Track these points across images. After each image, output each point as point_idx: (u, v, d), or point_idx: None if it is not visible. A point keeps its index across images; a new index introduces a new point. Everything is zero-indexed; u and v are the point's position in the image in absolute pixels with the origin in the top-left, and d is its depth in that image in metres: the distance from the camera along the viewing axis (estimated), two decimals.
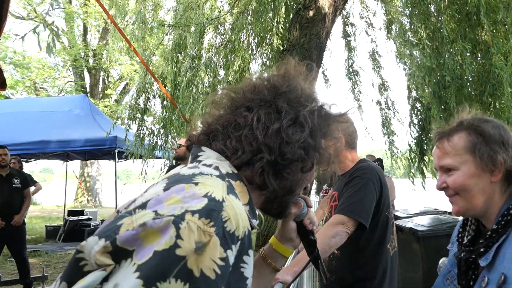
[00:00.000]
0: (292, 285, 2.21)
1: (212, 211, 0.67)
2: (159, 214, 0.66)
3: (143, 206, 0.69)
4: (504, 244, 1.16)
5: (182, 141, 4.97)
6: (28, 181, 6.02)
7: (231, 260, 0.67)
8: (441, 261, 1.52)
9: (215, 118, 0.91)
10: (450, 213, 5.04)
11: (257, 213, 0.89)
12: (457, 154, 1.24)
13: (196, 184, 0.72)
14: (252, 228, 0.82)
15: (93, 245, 0.66)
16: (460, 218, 1.41)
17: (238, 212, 0.71)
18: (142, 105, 8.14)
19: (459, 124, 1.28)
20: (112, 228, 0.67)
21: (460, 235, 1.37)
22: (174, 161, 5.52)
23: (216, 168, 0.82)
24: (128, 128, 7.97)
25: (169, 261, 0.61)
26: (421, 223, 4.32)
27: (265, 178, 0.84)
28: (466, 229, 1.36)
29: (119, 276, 0.62)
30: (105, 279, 0.63)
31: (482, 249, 1.20)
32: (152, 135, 8.24)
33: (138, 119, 8.09)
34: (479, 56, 6.40)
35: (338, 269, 2.22)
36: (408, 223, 4.34)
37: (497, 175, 1.21)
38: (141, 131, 8.11)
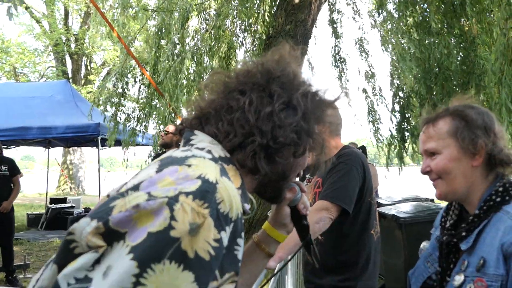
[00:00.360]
0: (275, 270, 2.22)
1: (206, 192, 0.67)
2: (153, 196, 0.65)
3: (136, 188, 0.69)
4: (485, 229, 1.19)
5: (169, 128, 4.91)
6: (16, 168, 5.91)
7: (225, 241, 0.68)
8: (422, 244, 1.55)
9: (208, 102, 0.90)
10: (432, 200, 5.12)
11: (250, 198, 0.89)
12: (440, 138, 1.27)
13: (189, 166, 0.72)
14: (244, 212, 0.82)
15: (85, 226, 0.65)
16: (443, 204, 1.44)
17: (231, 194, 0.70)
18: (120, 90, 7.99)
19: (445, 110, 1.32)
20: (104, 210, 0.67)
21: (443, 219, 1.40)
22: (160, 149, 5.44)
23: (209, 151, 0.81)
24: (103, 113, 7.77)
25: (163, 243, 0.61)
26: (403, 210, 4.37)
27: (257, 162, 0.83)
28: (449, 213, 1.39)
29: (111, 258, 0.61)
30: (97, 261, 0.62)
31: (463, 233, 1.23)
32: (130, 120, 8.08)
33: (115, 104, 7.94)
34: (464, 47, 6.47)
35: (322, 254, 2.23)
36: (391, 210, 4.39)
37: (478, 159, 1.23)
38: (118, 116, 7.96)
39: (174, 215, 0.63)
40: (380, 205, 4.79)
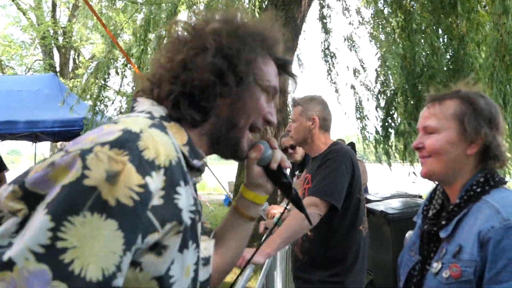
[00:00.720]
0: (264, 266, 2.22)
1: (125, 141, 0.64)
2: (68, 152, 0.63)
3: (60, 150, 0.67)
4: (464, 218, 1.20)
5: None
6: (2, 164, 5.77)
7: (152, 187, 0.64)
8: (407, 234, 1.57)
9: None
10: (420, 197, 5.16)
11: (201, 154, 0.86)
12: (443, 118, 1.27)
13: (116, 123, 0.70)
14: (196, 168, 0.81)
15: (3, 192, 0.64)
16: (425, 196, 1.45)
17: (159, 141, 0.68)
18: (103, 81, 7.86)
19: (455, 92, 1.31)
20: (22, 174, 0.65)
21: (425, 208, 1.42)
22: None
23: (148, 112, 0.81)
24: (78, 102, 7.59)
25: (77, 193, 0.59)
26: (392, 206, 4.40)
27: (182, 111, 0.82)
28: (432, 202, 1.41)
29: (32, 220, 0.60)
30: (21, 227, 0.60)
31: (443, 222, 1.25)
32: (108, 111, 7.95)
33: (94, 95, 7.81)
34: (451, 44, 6.50)
35: (311, 250, 2.24)
36: (379, 206, 4.41)
37: (474, 147, 1.24)
38: (97, 108, 7.83)
39: (86, 164, 0.60)
40: (368, 201, 4.82)
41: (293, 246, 2.42)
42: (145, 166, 0.64)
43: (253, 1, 6.70)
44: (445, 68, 6.24)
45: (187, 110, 0.82)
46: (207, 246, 0.95)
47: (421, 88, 5.98)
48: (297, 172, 4.49)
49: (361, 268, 2.24)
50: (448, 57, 6.45)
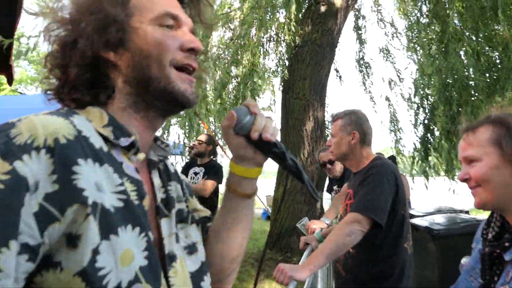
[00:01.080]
0: (306, 283, 2.18)
1: None
2: None
3: None
4: None
5: (202, 137, 4.95)
6: None
7: (25, 171, 0.59)
8: (463, 260, 1.51)
9: None
10: (466, 212, 4.95)
11: (129, 131, 0.77)
12: (480, 146, 1.25)
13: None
14: (125, 147, 0.75)
15: None
16: (479, 216, 1.40)
17: (39, 124, 0.63)
18: None
19: (486, 118, 1.30)
20: None
21: (484, 232, 1.36)
22: (192, 158, 5.37)
23: (66, 106, 0.78)
24: None
25: None
26: (437, 221, 4.25)
27: (63, 97, 0.77)
28: (490, 225, 1.35)
29: None
30: None
31: (506, 244, 1.19)
32: None
33: None
34: (498, 53, 6.29)
35: (354, 267, 2.19)
36: (424, 222, 4.28)
37: None
38: None
39: None
40: (412, 216, 4.68)
41: (336, 263, 2.37)
42: (14, 151, 0.59)
43: (289, 15, 6.74)
44: (488, 78, 6.03)
45: (78, 90, 0.76)
46: (186, 233, 0.87)
47: (456, 100, 5.82)
48: (335, 187, 4.43)
49: (406, 287, 2.17)
50: (490, 66, 6.25)
